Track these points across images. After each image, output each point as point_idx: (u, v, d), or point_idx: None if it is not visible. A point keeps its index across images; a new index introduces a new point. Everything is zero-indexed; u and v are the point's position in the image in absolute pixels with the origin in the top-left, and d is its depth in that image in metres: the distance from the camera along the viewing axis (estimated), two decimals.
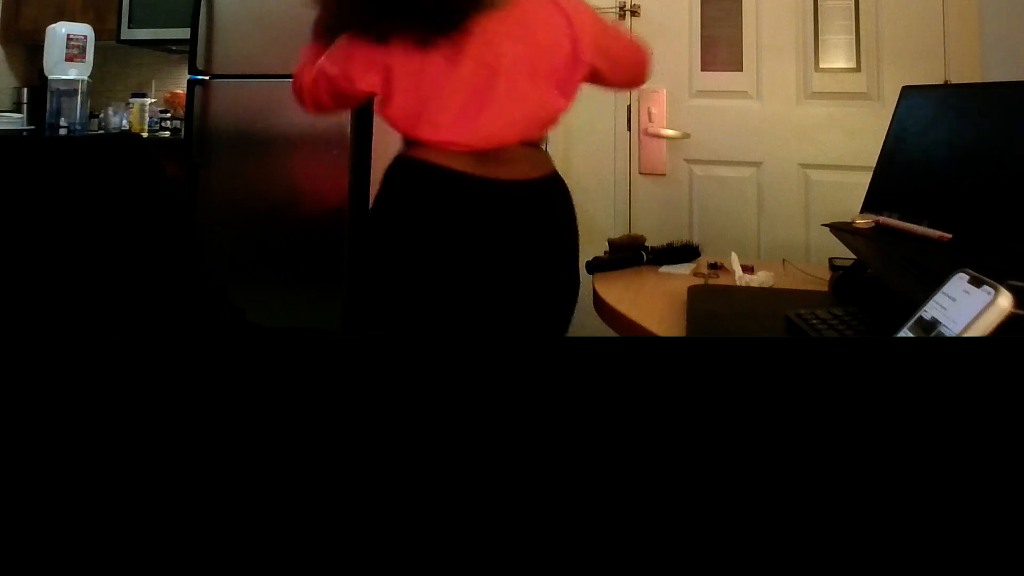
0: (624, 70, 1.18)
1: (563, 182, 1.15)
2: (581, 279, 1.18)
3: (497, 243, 1.02)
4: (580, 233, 1.17)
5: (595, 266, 1.29)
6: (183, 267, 1.56)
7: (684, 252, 1.37)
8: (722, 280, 1.23)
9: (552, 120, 1.11)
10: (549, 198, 1.10)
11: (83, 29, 2.59)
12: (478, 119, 1.01)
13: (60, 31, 2.53)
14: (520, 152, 1.07)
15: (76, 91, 2.54)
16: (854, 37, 2.00)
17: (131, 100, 3.04)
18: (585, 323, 2.10)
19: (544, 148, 1.18)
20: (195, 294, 1.58)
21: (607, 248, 1.40)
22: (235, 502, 0.39)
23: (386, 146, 2.23)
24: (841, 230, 1.12)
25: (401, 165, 1.06)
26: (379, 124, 2.40)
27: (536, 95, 1.05)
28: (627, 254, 1.33)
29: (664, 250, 1.37)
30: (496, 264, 1.02)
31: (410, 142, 1.08)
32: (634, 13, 2.17)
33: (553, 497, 0.39)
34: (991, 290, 0.58)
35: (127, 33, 2.88)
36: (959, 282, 0.62)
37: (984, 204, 0.93)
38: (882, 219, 1.08)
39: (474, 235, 1.01)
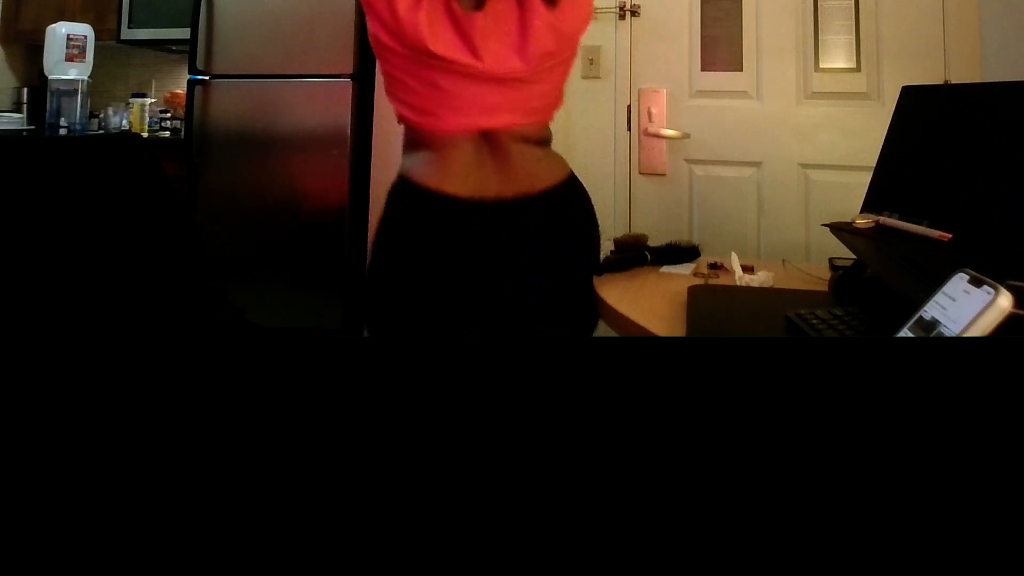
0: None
1: (577, 190, 1.07)
2: None
3: (496, 270, 0.98)
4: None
5: (603, 267, 1.28)
6: (183, 267, 1.56)
7: (684, 252, 1.37)
8: (722, 280, 1.23)
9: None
10: (556, 214, 1.02)
11: (83, 29, 2.59)
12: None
13: (60, 31, 2.53)
14: (523, 153, 1.01)
15: (76, 91, 2.54)
16: (854, 37, 2.00)
17: (131, 100, 3.04)
18: None
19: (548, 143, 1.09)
20: (195, 294, 1.58)
21: (612, 247, 1.40)
22: (235, 502, 0.39)
23: (386, 146, 2.25)
24: (841, 230, 1.12)
25: (400, 189, 1.04)
26: (379, 124, 2.41)
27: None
28: (631, 254, 1.33)
29: (664, 250, 1.37)
30: (498, 291, 0.98)
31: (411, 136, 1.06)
32: (634, 13, 2.17)
33: (554, 497, 0.39)
34: (991, 290, 0.58)
35: (127, 33, 2.88)
36: (959, 282, 0.62)
37: (984, 204, 0.93)
38: (882, 219, 1.08)
39: (467, 264, 0.98)
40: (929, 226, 0.98)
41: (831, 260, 1.32)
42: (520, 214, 0.99)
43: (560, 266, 1.03)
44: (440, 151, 1.01)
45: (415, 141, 1.05)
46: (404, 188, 1.03)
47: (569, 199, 1.06)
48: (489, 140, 1.01)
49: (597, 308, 1.07)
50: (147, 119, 2.98)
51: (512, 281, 0.99)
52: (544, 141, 1.07)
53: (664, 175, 2.14)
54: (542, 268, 1.01)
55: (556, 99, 1.08)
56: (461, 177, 0.99)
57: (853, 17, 2.00)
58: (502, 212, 0.98)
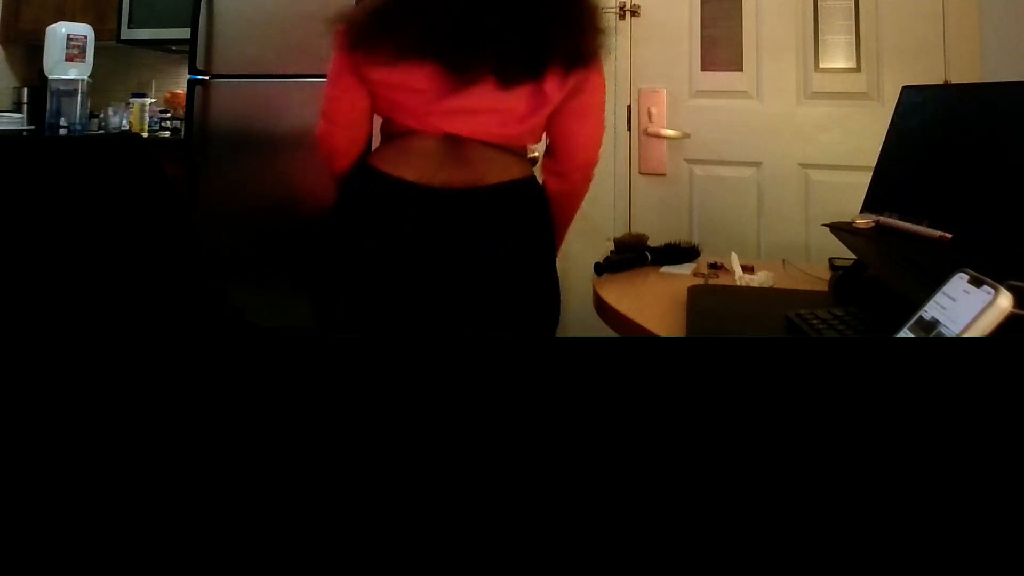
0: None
1: (531, 187, 1.12)
2: (583, 280, 1.16)
3: (435, 250, 1.04)
4: (580, 233, 1.15)
5: (603, 268, 1.28)
6: (182, 267, 1.56)
7: (684, 252, 1.37)
8: (722, 280, 1.23)
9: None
10: (504, 204, 1.08)
11: (83, 29, 2.59)
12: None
13: (60, 31, 2.53)
14: (483, 153, 1.07)
15: (76, 91, 2.54)
16: (854, 37, 2.00)
17: (131, 100, 3.04)
18: (585, 323, 2.11)
19: (526, 155, 1.14)
20: (194, 294, 1.58)
21: (612, 248, 1.40)
22: (235, 501, 0.39)
23: None
24: (841, 230, 1.12)
25: (360, 171, 1.12)
26: (377, 124, 2.41)
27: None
28: (632, 254, 1.33)
29: (664, 250, 1.37)
30: (439, 271, 1.04)
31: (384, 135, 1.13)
32: (634, 13, 2.17)
33: (553, 498, 0.39)
34: (991, 290, 0.58)
35: (127, 33, 2.88)
36: (959, 282, 0.62)
37: (984, 204, 0.93)
38: (882, 219, 1.08)
39: (409, 243, 1.04)
40: (929, 226, 0.98)
41: (831, 260, 1.32)
42: (467, 200, 1.05)
43: (500, 250, 1.07)
44: (401, 142, 1.08)
45: (386, 133, 1.13)
46: (359, 170, 1.12)
47: (520, 193, 1.10)
48: (452, 140, 1.06)
49: (557, 303, 1.12)
50: (147, 119, 2.98)
51: (453, 259, 1.04)
52: (511, 151, 1.11)
53: (664, 175, 2.14)
54: (484, 250, 1.06)
55: (530, 131, 1.12)
56: (413, 166, 1.06)
57: (853, 17, 2.00)
58: (448, 197, 1.04)
